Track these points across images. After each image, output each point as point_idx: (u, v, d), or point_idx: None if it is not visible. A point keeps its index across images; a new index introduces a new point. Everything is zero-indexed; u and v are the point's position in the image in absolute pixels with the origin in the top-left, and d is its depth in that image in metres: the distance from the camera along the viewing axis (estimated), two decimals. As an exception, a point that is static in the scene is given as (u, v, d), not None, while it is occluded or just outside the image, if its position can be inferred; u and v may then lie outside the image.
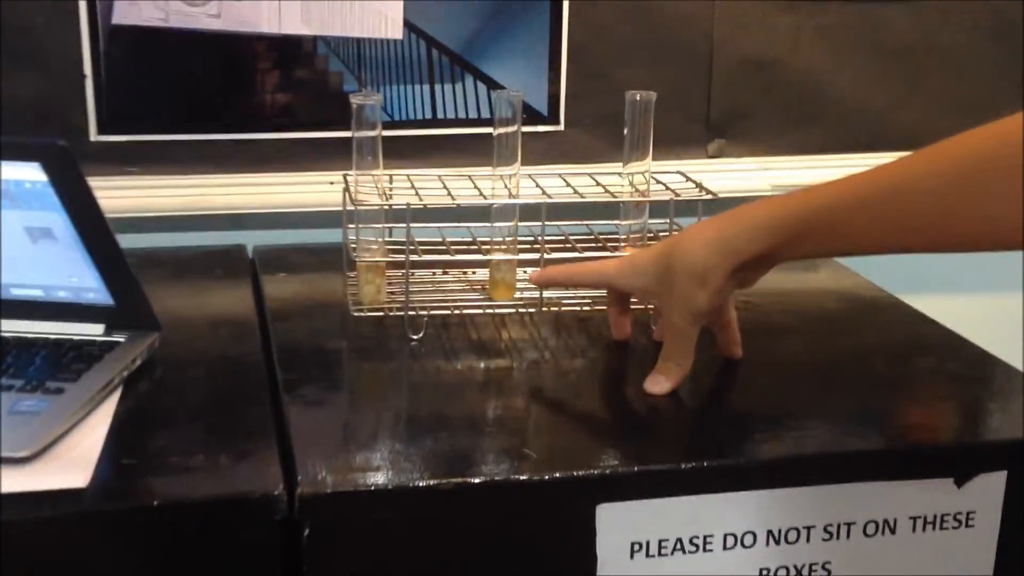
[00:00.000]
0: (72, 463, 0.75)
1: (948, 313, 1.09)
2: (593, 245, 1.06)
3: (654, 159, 1.03)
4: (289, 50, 1.21)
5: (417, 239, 1.02)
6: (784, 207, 0.82)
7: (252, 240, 1.23)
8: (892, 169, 0.78)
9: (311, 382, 0.90)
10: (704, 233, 0.85)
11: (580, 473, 0.78)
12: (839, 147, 1.34)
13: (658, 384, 0.89)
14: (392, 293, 1.01)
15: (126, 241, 0.89)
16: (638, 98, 0.99)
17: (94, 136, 1.19)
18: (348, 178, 0.99)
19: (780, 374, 0.96)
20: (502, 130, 0.98)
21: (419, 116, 1.25)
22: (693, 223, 0.90)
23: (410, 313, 0.98)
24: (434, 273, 1.08)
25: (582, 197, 1.02)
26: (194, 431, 0.81)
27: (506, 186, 0.99)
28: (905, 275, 1.17)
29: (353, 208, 0.98)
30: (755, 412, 0.89)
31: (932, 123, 1.34)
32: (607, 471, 0.78)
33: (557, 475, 0.77)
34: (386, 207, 0.98)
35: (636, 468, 0.79)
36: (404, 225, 0.97)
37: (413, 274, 0.98)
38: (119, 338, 0.90)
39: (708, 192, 1.01)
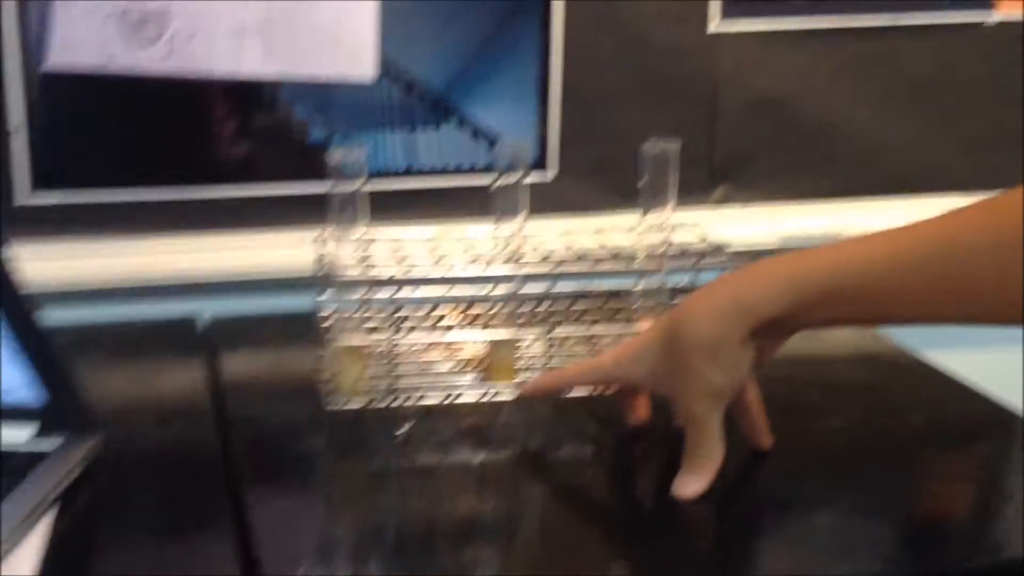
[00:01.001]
0: (-9, 621, 0.61)
1: (970, 371, 0.98)
2: (601, 317, 0.94)
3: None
4: (249, 95, 1.08)
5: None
6: (809, 263, 0.70)
7: (207, 311, 1.09)
8: (943, 222, 0.66)
9: (281, 492, 0.77)
10: (710, 299, 0.74)
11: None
12: (856, 192, 1.23)
13: (689, 486, 0.77)
14: (374, 377, 0.88)
15: (61, 316, 0.78)
16: (658, 150, 0.86)
17: (24, 198, 1.05)
18: (323, 243, 0.86)
19: (822, 468, 0.84)
20: (502, 184, 0.85)
21: (395, 166, 1.12)
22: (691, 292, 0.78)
23: (395, 403, 0.86)
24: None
25: (595, 263, 0.89)
26: (143, 560, 0.68)
27: (506, 251, 0.86)
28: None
29: (329, 280, 0.85)
30: (804, 518, 0.77)
31: (956, 164, 1.23)
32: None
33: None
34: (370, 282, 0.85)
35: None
36: (387, 298, 0.84)
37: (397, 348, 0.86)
38: (52, 444, 0.77)
39: (731, 253, 0.90)
